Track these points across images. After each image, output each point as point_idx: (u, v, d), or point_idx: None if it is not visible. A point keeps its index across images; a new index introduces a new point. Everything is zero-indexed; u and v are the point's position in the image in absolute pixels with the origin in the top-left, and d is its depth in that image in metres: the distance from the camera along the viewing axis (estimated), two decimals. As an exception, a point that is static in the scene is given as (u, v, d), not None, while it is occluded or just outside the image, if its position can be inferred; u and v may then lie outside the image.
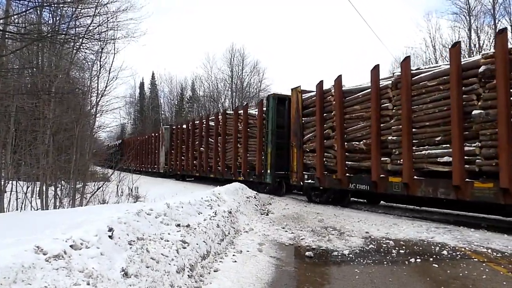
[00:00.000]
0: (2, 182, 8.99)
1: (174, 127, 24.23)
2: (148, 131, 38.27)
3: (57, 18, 12.27)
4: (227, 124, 16.71)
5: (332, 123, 10.55)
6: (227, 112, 17.47)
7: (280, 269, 4.63)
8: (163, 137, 25.26)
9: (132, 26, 14.56)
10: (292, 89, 12.31)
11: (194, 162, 19.94)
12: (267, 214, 9.05)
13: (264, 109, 13.87)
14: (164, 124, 50.80)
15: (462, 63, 7.39)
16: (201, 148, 19.03)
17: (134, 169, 29.24)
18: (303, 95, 11.82)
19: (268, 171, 13.21)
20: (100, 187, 11.64)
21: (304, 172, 11.48)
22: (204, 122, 19.14)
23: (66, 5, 9.76)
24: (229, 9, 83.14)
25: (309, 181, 11.25)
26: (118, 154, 29.51)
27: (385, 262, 4.89)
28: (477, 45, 24.09)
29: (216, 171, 17.41)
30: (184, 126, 22.06)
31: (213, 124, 17.98)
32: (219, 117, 17.56)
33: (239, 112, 15.78)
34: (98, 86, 12.28)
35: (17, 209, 8.90)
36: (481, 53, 7.58)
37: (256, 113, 14.49)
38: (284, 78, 63.74)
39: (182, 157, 21.72)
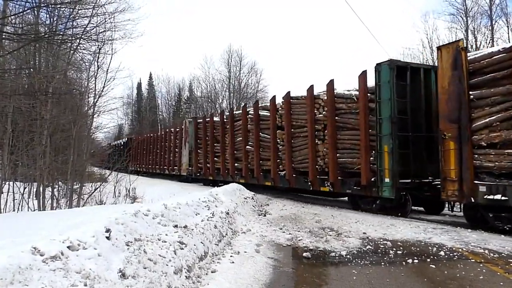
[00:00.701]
0: (-1, 183, 8.96)
1: (200, 120, 18.84)
2: (145, 132, 36.77)
3: (55, 19, 12.25)
4: (293, 112, 11.83)
5: None
6: (292, 96, 12.02)
7: (277, 270, 4.63)
8: (187, 132, 20.35)
9: (130, 27, 14.51)
10: (440, 47, 8.05)
11: (236, 164, 14.88)
12: (265, 215, 9.05)
13: (370, 85, 9.27)
14: (162, 125, 50.71)
15: None
16: (248, 147, 13.97)
17: (145, 171, 27.29)
18: (468, 54, 7.53)
19: (386, 179, 8.75)
20: (98, 188, 11.63)
21: (475, 182, 7.16)
22: (251, 112, 13.96)
23: (63, 6, 9.74)
24: (227, 10, 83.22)
25: (495, 196, 6.84)
26: (124, 154, 28.00)
27: (382, 263, 4.90)
28: (474, 46, 24.18)
29: (276, 177, 12.40)
30: (217, 118, 17.00)
31: (267, 114, 13.03)
32: (279, 103, 12.60)
33: (317, 93, 11.03)
34: (95, 87, 12.29)
35: (14, 210, 8.88)
36: None
37: (354, 93, 9.72)
38: (281, 79, 63.77)
39: (216, 158, 16.62)
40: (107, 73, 11.92)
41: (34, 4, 9.09)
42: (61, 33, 10.01)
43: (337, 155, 10.18)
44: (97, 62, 11.87)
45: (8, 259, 2.36)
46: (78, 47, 11.58)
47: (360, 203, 9.87)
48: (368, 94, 9.26)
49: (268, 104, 13.34)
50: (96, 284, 2.68)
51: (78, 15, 10.65)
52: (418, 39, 39.29)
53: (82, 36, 10.03)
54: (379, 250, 5.57)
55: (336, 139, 10.19)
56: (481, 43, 24.56)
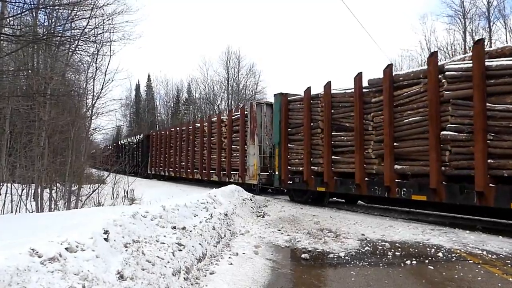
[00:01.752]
0: (-3, 185, 8.94)
1: (295, 97, 11.73)
2: (145, 133, 35.17)
3: (53, 20, 12.28)
4: None
5: None
6: None
7: (276, 271, 4.63)
8: (255, 119, 14.16)
9: (128, 28, 14.54)
10: None
11: (397, 166, 8.31)
12: (263, 217, 9.05)
13: None
14: (161, 126, 50.44)
15: None
16: (447, 132, 7.22)
17: (172, 176, 21.69)
18: None
19: None
20: (96, 190, 11.60)
21: None
22: (461, 66, 7.33)
23: (61, 7, 9.77)
24: (225, 12, 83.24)
25: None
26: (142, 155, 24.78)
27: (381, 264, 4.91)
28: (471, 48, 24.29)
29: None
30: (337, 90, 10.07)
31: None
32: None
33: None
34: (94, 88, 12.24)
35: (12, 212, 8.85)
36: None
37: None
38: (280, 81, 63.75)
39: (335, 156, 9.97)
40: (105, 75, 11.88)
41: (32, 5, 9.11)
42: (59, 34, 10.03)
43: None
44: (96, 63, 11.84)
45: (6, 261, 2.35)
46: (77, 49, 11.63)
47: None
48: None
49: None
50: (94, 286, 2.68)
51: (76, 16, 10.70)
52: (416, 40, 39.49)
53: (81, 38, 10.05)
54: (377, 252, 5.58)
55: None
56: (479, 44, 24.69)
